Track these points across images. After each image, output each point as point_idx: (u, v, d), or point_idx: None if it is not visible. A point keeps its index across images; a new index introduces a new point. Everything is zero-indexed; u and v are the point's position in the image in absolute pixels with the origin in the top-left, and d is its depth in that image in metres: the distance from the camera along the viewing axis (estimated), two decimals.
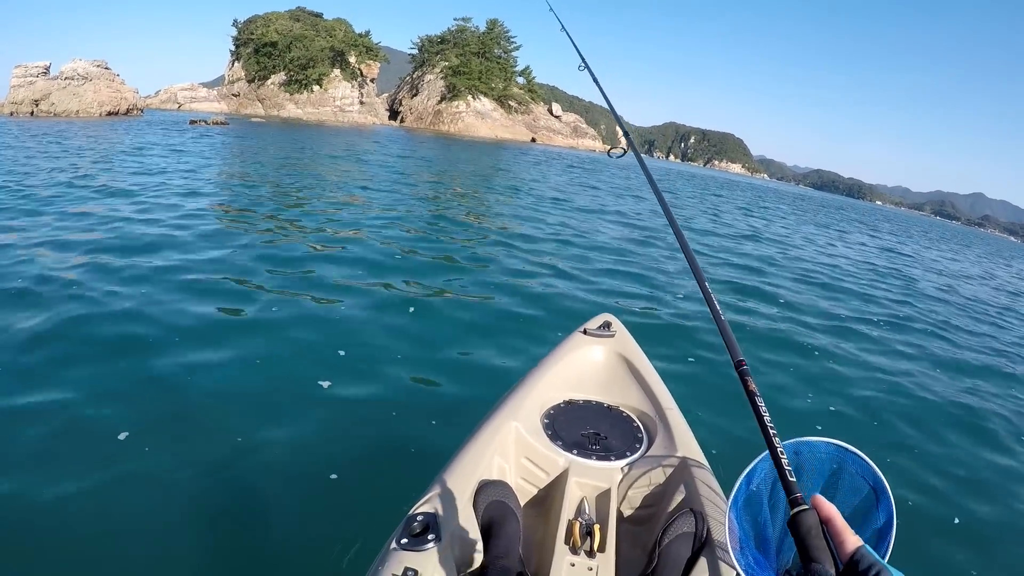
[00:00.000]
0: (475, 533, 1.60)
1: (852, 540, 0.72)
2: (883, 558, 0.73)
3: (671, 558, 1.53)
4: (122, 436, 3.18)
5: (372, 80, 74.09)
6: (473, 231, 10.17)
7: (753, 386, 1.02)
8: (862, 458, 0.92)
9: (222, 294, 5.48)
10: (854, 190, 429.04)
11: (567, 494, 1.84)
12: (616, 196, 20.12)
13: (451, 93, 74.42)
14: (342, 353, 4.48)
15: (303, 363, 4.26)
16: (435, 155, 31.11)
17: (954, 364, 6.60)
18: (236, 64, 70.59)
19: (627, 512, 1.94)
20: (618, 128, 2.73)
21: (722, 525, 1.48)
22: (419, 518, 1.56)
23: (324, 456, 3.18)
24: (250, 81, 68.52)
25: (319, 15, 74.79)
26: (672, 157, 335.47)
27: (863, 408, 4.85)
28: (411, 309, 5.61)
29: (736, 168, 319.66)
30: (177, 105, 62.94)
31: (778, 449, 0.87)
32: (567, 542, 1.63)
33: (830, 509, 0.75)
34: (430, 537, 1.50)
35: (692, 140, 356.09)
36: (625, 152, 2.47)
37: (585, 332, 2.65)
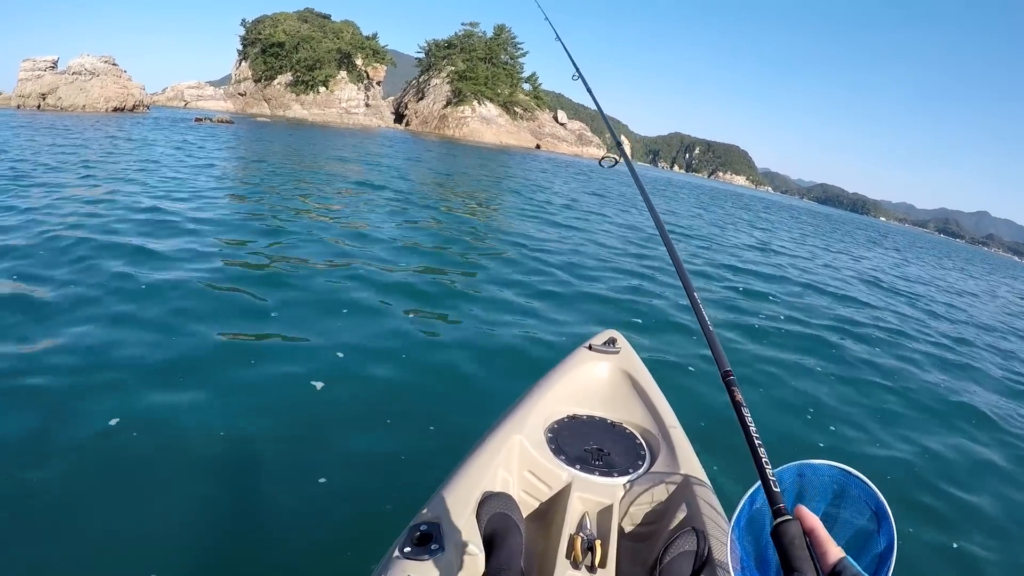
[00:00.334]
0: (478, 544, 1.60)
1: (835, 551, 0.72)
2: None
3: None
4: (113, 422, 3.17)
5: (378, 83, 74.16)
6: (478, 237, 10.10)
7: (740, 396, 1.03)
8: (865, 482, 0.92)
9: (220, 291, 5.42)
10: (858, 205, 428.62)
11: (569, 509, 1.85)
12: (622, 205, 20.06)
13: (457, 98, 74.47)
14: (340, 355, 4.42)
15: (298, 364, 4.20)
16: (440, 159, 31.14)
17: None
18: (243, 63, 70.69)
19: (628, 528, 1.94)
20: (629, 144, 2.66)
21: (723, 544, 1.57)
22: (422, 527, 1.57)
23: (321, 461, 3.13)
24: (257, 81, 68.59)
25: (327, 17, 74.95)
26: (676, 167, 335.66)
27: (867, 427, 4.79)
28: (414, 310, 5.55)
29: (740, 180, 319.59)
30: (184, 103, 63.03)
31: (763, 460, 0.87)
32: (568, 556, 1.65)
33: (813, 520, 0.75)
34: (433, 547, 1.51)
35: (697, 151, 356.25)
36: (617, 162, 2.40)
37: (590, 348, 2.65)
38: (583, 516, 1.85)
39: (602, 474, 2.02)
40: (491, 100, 75.22)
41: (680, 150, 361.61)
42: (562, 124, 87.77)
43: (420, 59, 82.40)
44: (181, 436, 3.19)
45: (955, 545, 3.48)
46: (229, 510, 2.75)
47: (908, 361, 6.91)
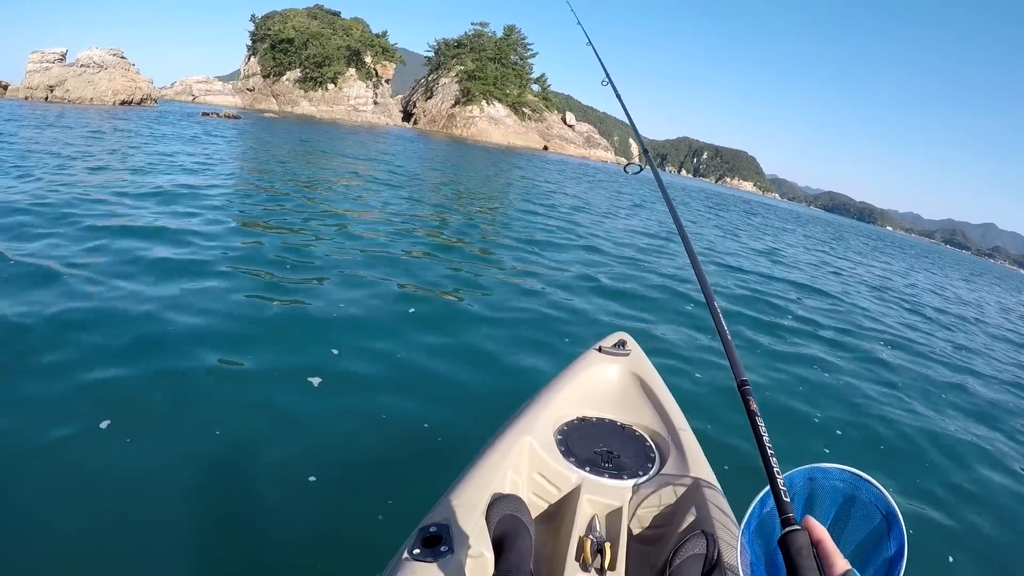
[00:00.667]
0: (487, 546, 1.59)
1: (841, 564, 0.73)
2: None
3: None
4: (104, 425, 3.05)
5: (387, 81, 74.19)
6: (485, 237, 9.94)
7: (754, 406, 1.04)
8: (875, 486, 0.92)
9: (215, 288, 5.25)
10: (865, 214, 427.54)
11: (579, 511, 1.84)
12: (632, 207, 19.82)
13: (465, 97, 74.45)
14: (335, 351, 4.33)
15: (296, 361, 4.10)
16: (449, 158, 31.07)
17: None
18: (252, 59, 70.83)
19: (638, 531, 1.94)
20: (635, 144, 2.64)
21: (732, 548, 1.59)
22: (431, 529, 1.56)
23: (315, 459, 3.04)
24: (265, 76, 68.69)
25: (337, 14, 75.05)
26: (684, 172, 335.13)
27: (881, 432, 4.72)
28: (419, 310, 5.42)
29: (748, 186, 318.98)
30: (192, 97, 63.14)
31: (775, 470, 0.87)
32: (578, 559, 1.64)
33: (821, 531, 0.76)
34: (442, 549, 1.50)
35: (705, 156, 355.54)
36: (642, 169, 2.43)
37: (600, 350, 2.65)
38: (592, 518, 1.84)
39: (612, 476, 2.01)
40: (500, 100, 75.15)
41: (688, 154, 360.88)
42: (570, 126, 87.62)
43: (429, 58, 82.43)
44: (173, 434, 3.10)
45: (964, 553, 3.46)
46: (223, 510, 2.66)
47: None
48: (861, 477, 0.93)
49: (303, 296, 5.39)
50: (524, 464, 2.03)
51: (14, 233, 6.15)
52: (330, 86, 66.73)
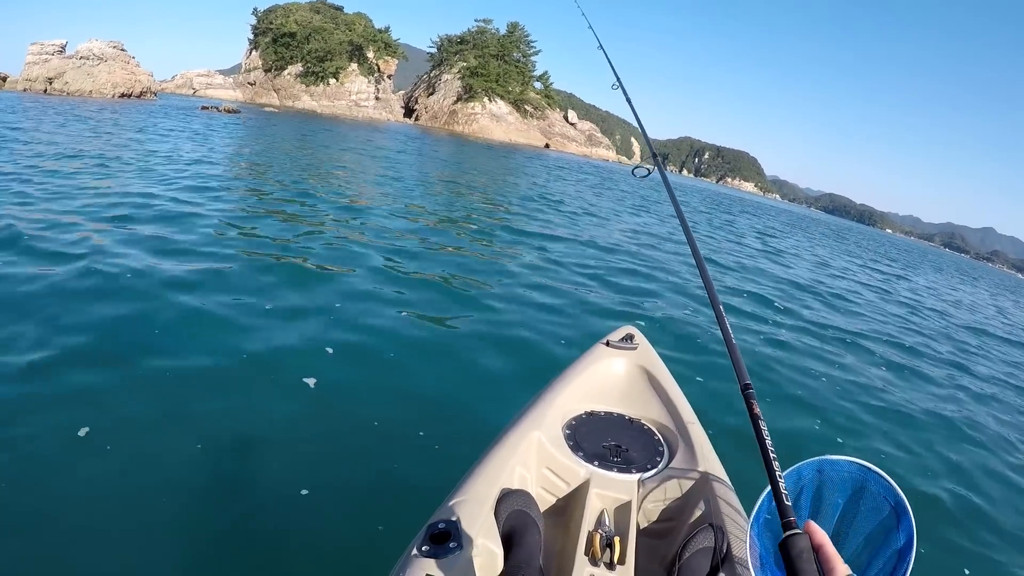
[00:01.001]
0: (496, 542, 1.58)
1: (841, 568, 0.73)
2: None
3: (690, 572, 1.53)
4: (82, 432, 2.91)
5: (389, 76, 74.01)
6: (490, 233, 9.84)
7: (758, 410, 1.04)
8: (884, 478, 0.93)
9: (208, 284, 5.15)
10: (865, 216, 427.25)
11: (588, 505, 1.83)
12: (637, 208, 19.67)
13: (467, 94, 74.27)
14: (329, 351, 4.22)
15: (295, 358, 4.02)
16: (451, 155, 30.97)
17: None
18: (254, 53, 70.61)
19: (646, 525, 1.94)
20: (640, 145, 2.53)
21: (742, 541, 1.58)
22: (440, 525, 1.54)
23: (312, 461, 2.97)
24: (267, 71, 68.50)
25: (339, 8, 74.77)
26: (685, 172, 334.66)
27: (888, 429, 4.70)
28: (417, 310, 5.33)
29: (749, 187, 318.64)
30: (192, 91, 62.95)
31: (777, 474, 0.88)
32: (587, 553, 1.63)
33: (822, 536, 0.76)
34: (451, 544, 1.48)
35: (706, 156, 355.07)
36: (650, 172, 2.41)
37: (608, 344, 2.63)
38: (601, 513, 1.83)
39: (620, 471, 2.00)
40: (502, 97, 74.97)
41: (690, 154, 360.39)
42: (572, 124, 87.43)
43: (432, 54, 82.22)
44: (156, 440, 2.98)
45: (973, 546, 3.51)
46: (210, 518, 2.55)
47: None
48: (870, 469, 0.94)
49: (296, 295, 5.27)
50: (532, 459, 2.03)
51: None
52: (332, 81, 66.55)
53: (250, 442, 3.06)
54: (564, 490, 2.02)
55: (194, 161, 13.22)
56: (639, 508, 1.91)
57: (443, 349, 4.63)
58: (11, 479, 2.56)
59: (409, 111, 79.64)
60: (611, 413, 2.33)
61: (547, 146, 76.36)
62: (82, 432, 2.91)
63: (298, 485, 2.76)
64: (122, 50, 44.71)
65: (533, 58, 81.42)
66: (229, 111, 37.85)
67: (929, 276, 26.91)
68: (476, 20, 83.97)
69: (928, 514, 3.69)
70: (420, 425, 3.45)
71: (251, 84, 68.41)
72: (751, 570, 0.87)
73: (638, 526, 1.86)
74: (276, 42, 67.70)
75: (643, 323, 6.24)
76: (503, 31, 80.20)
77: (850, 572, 0.72)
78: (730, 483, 1.93)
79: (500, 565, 1.56)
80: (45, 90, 39.39)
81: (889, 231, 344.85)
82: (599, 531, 1.70)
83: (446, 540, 1.50)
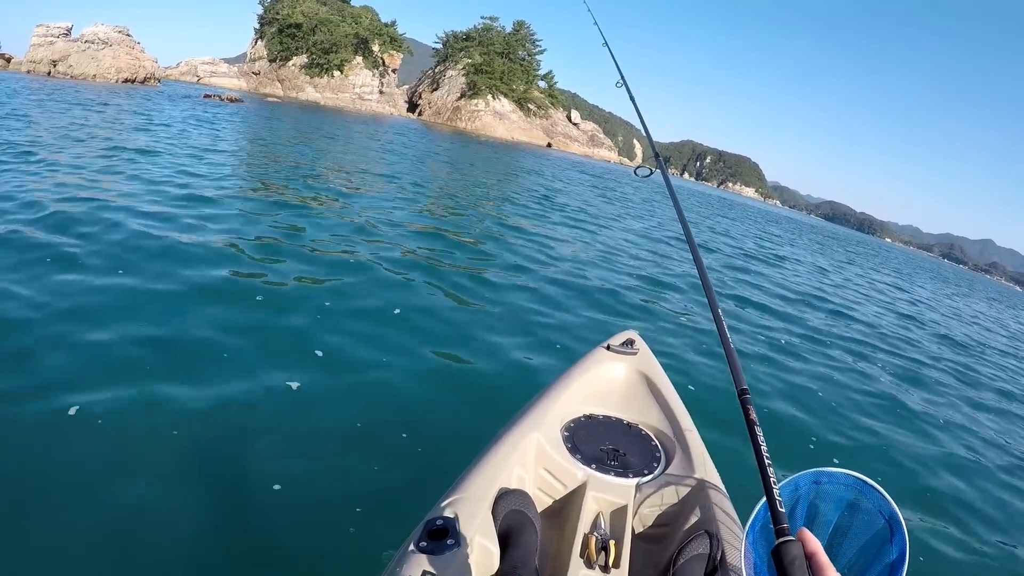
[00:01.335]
0: (493, 541, 1.60)
1: None
2: None
3: None
4: (72, 411, 2.92)
5: (394, 71, 73.83)
6: (485, 233, 9.82)
7: (754, 416, 1.05)
8: (880, 492, 0.94)
9: (201, 280, 5.06)
10: (865, 225, 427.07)
11: (584, 508, 1.85)
12: (639, 211, 19.72)
13: (471, 91, 74.11)
14: (320, 354, 4.15)
15: (284, 358, 3.95)
16: (452, 152, 30.85)
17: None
18: (259, 43, 70.41)
19: (642, 530, 1.95)
20: (641, 145, 2.57)
21: (736, 549, 1.61)
22: (438, 522, 1.55)
23: (292, 465, 2.92)
24: (272, 61, 68.29)
25: (346, 1, 74.58)
26: (687, 175, 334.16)
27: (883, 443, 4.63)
28: (414, 308, 5.33)
29: (749, 192, 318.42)
30: (197, 78, 62.76)
31: (771, 480, 0.89)
32: (582, 556, 1.65)
33: (815, 544, 0.76)
34: (449, 541, 1.50)
35: (708, 160, 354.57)
36: (652, 172, 2.42)
37: (608, 348, 2.66)
38: (597, 516, 1.85)
39: (617, 474, 2.02)
40: (505, 95, 74.82)
41: (691, 158, 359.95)
42: (575, 124, 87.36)
43: (437, 49, 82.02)
44: (133, 440, 2.93)
45: (967, 559, 3.50)
46: (194, 511, 2.55)
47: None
48: (866, 482, 0.94)
49: (286, 293, 5.19)
50: (531, 460, 2.05)
51: None
52: (336, 73, 66.35)
53: (230, 440, 3.02)
54: (561, 492, 2.03)
55: (188, 155, 13.04)
56: (635, 512, 1.92)
57: (437, 352, 4.52)
58: None
59: (412, 106, 79.47)
60: (610, 417, 2.35)
61: (549, 145, 76.28)
62: (72, 411, 2.94)
63: (274, 483, 2.72)
64: (127, 35, 44.62)
65: (538, 57, 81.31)
66: (231, 100, 37.77)
67: (930, 287, 26.98)
68: (482, 17, 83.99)
69: (921, 529, 3.66)
70: (404, 427, 3.40)
71: (255, 74, 68.23)
72: None
73: (633, 530, 1.87)
74: (282, 32, 67.46)
75: (644, 326, 6.29)
76: (509, 29, 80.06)
77: None
78: (726, 491, 1.95)
79: (496, 564, 1.58)
80: (49, 72, 39.31)
81: (888, 240, 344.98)
82: (595, 534, 1.72)
83: (444, 537, 1.51)
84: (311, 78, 66.37)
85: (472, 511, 1.63)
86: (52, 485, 2.51)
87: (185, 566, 2.28)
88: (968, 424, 6.11)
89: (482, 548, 1.56)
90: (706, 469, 2.05)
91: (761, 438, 0.98)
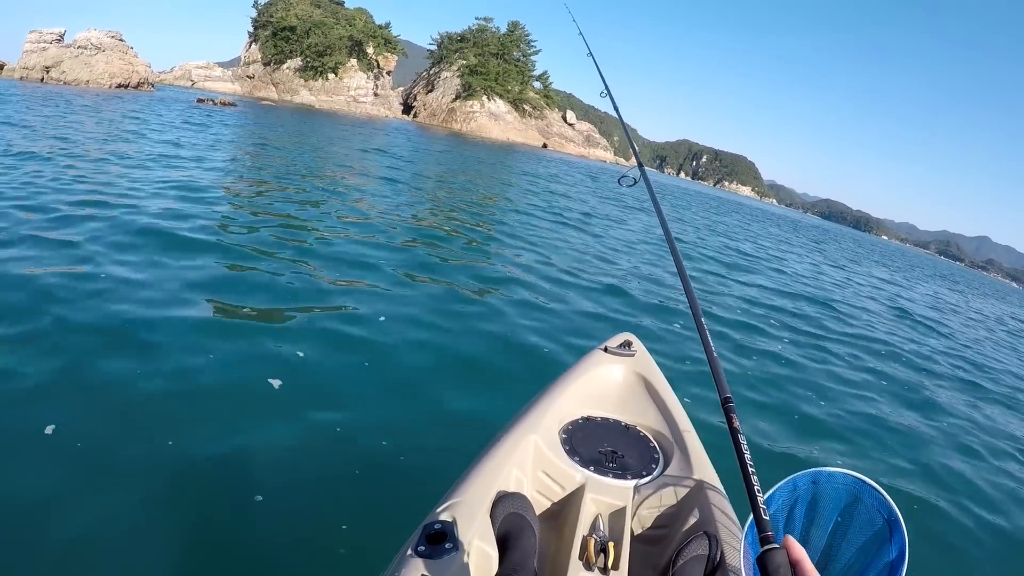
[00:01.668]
0: (491, 544, 1.59)
1: None
2: None
3: None
4: (48, 430, 2.85)
5: (388, 73, 73.77)
6: (481, 234, 9.77)
7: (737, 424, 1.05)
8: (879, 491, 0.94)
9: (189, 284, 4.99)
10: (861, 222, 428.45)
11: (583, 510, 1.85)
12: (636, 211, 19.68)
13: (466, 92, 74.11)
14: (300, 354, 4.09)
15: (272, 364, 3.90)
16: (448, 153, 30.84)
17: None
18: (253, 46, 70.28)
19: (641, 531, 1.95)
20: (632, 157, 2.62)
21: (735, 550, 1.60)
22: (436, 526, 1.55)
23: (267, 474, 2.87)
24: (266, 64, 68.19)
25: (340, 3, 74.51)
26: (683, 175, 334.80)
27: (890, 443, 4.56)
28: (410, 307, 5.31)
29: (746, 191, 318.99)
30: (191, 83, 62.65)
31: (755, 487, 0.89)
32: (581, 558, 1.65)
33: (799, 552, 0.76)
34: (447, 546, 1.49)
35: (704, 159, 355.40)
36: (636, 182, 2.42)
37: (606, 350, 2.65)
38: (596, 518, 1.84)
39: (616, 476, 2.01)
40: (501, 96, 74.84)
41: (688, 157, 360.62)
42: (570, 124, 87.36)
43: (432, 51, 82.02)
44: (116, 441, 2.92)
45: (963, 559, 3.52)
46: (177, 518, 2.52)
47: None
48: (865, 482, 0.94)
49: (273, 299, 5.12)
50: (529, 462, 2.04)
51: None
52: (331, 76, 66.28)
53: (211, 445, 2.98)
54: (560, 494, 2.03)
55: (177, 162, 12.97)
56: (634, 514, 1.92)
57: (428, 355, 4.49)
58: None
59: (408, 108, 79.44)
60: (608, 419, 2.34)
61: (545, 146, 76.30)
62: (48, 430, 2.86)
63: (255, 491, 2.69)
64: (120, 40, 44.45)
65: (533, 57, 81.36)
66: (225, 104, 37.63)
67: (927, 285, 27.02)
68: (477, 18, 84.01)
69: (921, 528, 3.66)
70: (398, 432, 3.36)
71: (250, 77, 68.13)
72: None
73: (632, 532, 1.86)
74: (276, 35, 67.35)
75: (642, 327, 6.24)
76: (504, 30, 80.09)
77: None
78: (725, 492, 1.94)
79: (495, 567, 1.57)
80: (42, 79, 39.13)
81: (885, 238, 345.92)
82: (594, 536, 1.71)
83: (442, 541, 1.50)
84: (305, 81, 66.28)
85: (470, 515, 1.63)
86: (27, 501, 2.45)
87: None
88: (967, 424, 6.07)
89: (480, 552, 1.56)
90: (705, 470, 2.04)
91: (745, 446, 0.97)
